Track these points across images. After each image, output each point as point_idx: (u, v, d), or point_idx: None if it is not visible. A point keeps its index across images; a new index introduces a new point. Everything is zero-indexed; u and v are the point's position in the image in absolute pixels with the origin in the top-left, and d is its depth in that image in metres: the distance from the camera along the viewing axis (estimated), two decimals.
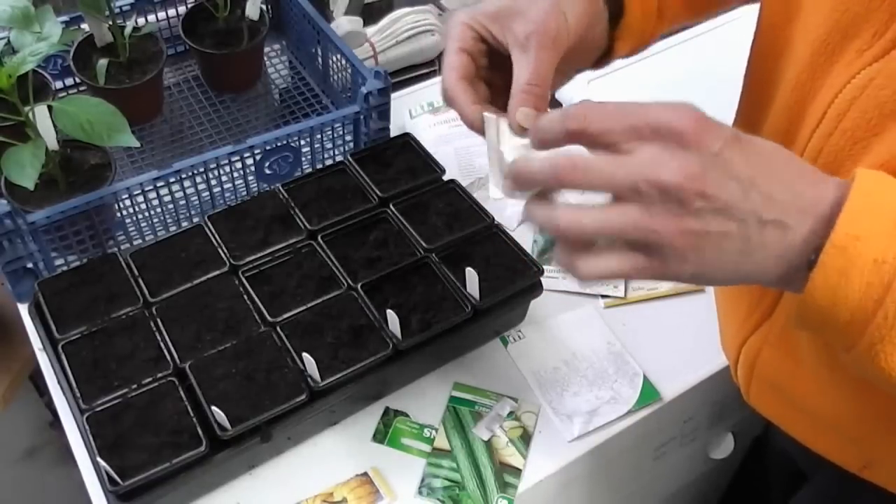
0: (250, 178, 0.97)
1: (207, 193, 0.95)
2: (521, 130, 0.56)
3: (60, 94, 1.05)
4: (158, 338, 0.79)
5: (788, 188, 0.47)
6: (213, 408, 0.72)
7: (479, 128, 0.59)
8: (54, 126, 0.85)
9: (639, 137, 0.46)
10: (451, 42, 0.61)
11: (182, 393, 0.75)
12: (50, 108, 0.82)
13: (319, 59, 1.12)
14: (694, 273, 0.48)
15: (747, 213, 0.46)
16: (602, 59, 0.66)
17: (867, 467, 0.63)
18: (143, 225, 0.95)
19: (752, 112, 0.66)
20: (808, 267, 0.45)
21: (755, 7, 0.65)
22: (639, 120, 0.46)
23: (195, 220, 0.96)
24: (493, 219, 0.89)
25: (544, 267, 0.86)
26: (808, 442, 0.67)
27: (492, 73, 0.63)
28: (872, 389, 0.57)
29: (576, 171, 0.47)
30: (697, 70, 1.19)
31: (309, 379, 0.76)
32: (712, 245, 0.46)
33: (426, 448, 0.81)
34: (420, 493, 0.77)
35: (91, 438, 0.71)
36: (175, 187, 0.92)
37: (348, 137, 1.01)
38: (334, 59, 1.08)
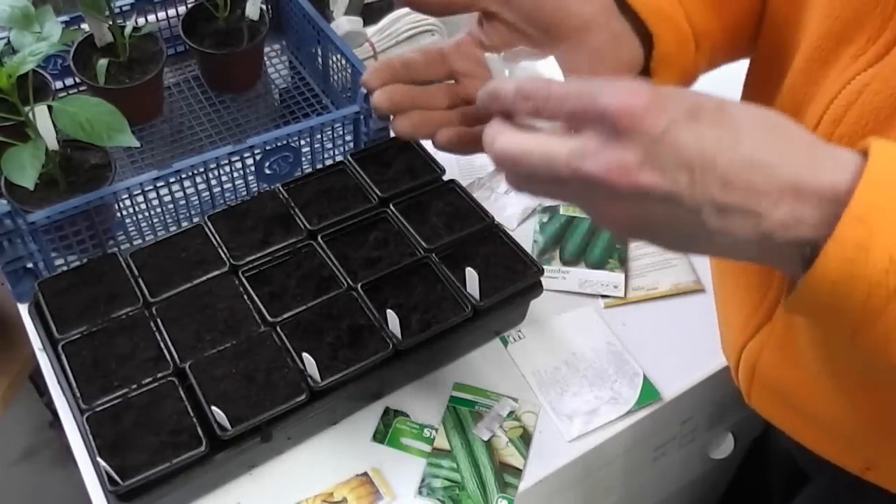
0: (250, 178, 0.97)
1: (207, 193, 0.95)
2: None
3: (60, 94, 1.05)
4: (158, 338, 0.79)
5: (759, 163, 0.42)
6: (213, 408, 0.72)
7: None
8: (54, 126, 0.85)
9: (580, 122, 0.43)
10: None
11: (182, 393, 0.75)
12: (50, 108, 0.82)
13: (319, 59, 1.12)
14: (652, 242, 0.46)
15: (699, 202, 0.42)
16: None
17: (869, 469, 0.63)
18: (143, 225, 0.95)
19: None
20: (804, 250, 0.42)
21: None
22: (579, 105, 0.43)
23: (195, 220, 0.96)
24: (493, 219, 0.89)
25: (544, 267, 0.86)
26: (809, 444, 0.67)
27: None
28: (873, 392, 0.57)
29: (509, 163, 0.46)
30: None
31: (309, 379, 0.76)
32: (660, 227, 0.44)
33: (426, 448, 0.81)
34: (420, 493, 0.77)
35: (91, 438, 0.71)
36: (175, 187, 0.92)
37: (348, 137, 1.01)
38: (334, 59, 1.08)
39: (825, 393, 0.61)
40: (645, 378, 0.86)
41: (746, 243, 0.43)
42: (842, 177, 0.41)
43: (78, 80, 1.03)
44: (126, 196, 0.89)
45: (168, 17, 1.12)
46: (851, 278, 0.40)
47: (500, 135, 0.46)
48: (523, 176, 0.46)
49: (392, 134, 1.01)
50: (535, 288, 0.86)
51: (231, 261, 0.85)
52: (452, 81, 0.60)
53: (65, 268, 0.89)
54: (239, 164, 0.95)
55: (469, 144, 0.55)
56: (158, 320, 0.80)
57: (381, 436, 0.82)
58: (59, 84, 1.05)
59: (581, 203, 0.46)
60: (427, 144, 0.97)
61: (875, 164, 0.41)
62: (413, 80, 0.58)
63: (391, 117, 0.57)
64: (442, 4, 0.58)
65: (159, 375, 0.76)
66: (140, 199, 0.91)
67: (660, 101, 0.42)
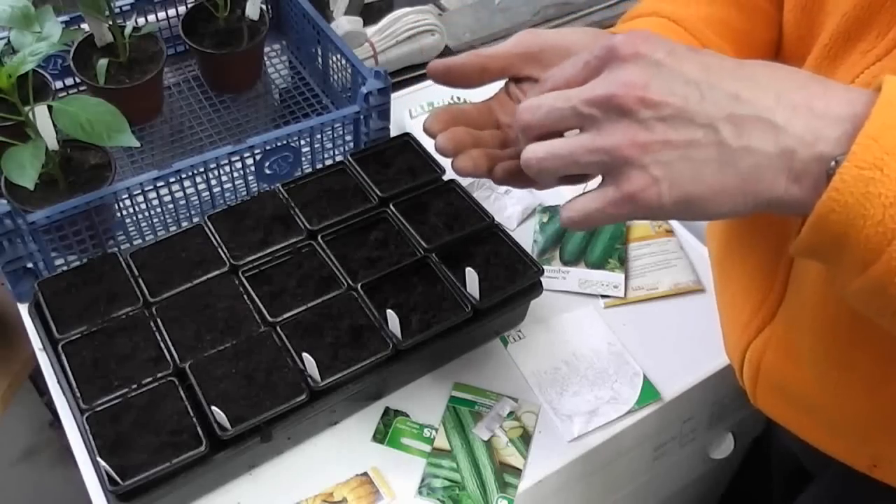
0: (250, 178, 0.97)
1: (207, 193, 0.95)
2: None
3: (60, 94, 1.05)
4: (158, 338, 0.79)
5: (765, 86, 0.43)
6: (213, 408, 0.72)
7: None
8: (54, 126, 0.85)
9: (591, 72, 0.47)
10: None
11: (182, 393, 0.75)
12: (50, 108, 0.82)
13: (319, 59, 1.12)
14: (674, 195, 0.44)
15: (712, 117, 0.43)
16: None
17: (876, 466, 0.63)
18: (143, 225, 0.95)
19: None
20: (830, 171, 0.41)
21: None
22: (588, 56, 0.48)
23: (195, 220, 0.96)
24: (493, 219, 0.89)
25: (544, 267, 0.86)
26: (815, 443, 0.67)
27: None
28: (880, 387, 0.58)
29: (527, 113, 0.49)
30: None
31: (309, 379, 0.76)
32: (680, 156, 0.43)
33: (426, 448, 0.81)
34: (420, 493, 0.77)
35: (91, 438, 0.71)
36: (175, 187, 0.92)
37: (348, 137, 1.01)
38: (334, 59, 1.08)
39: (830, 390, 0.61)
40: (645, 378, 0.86)
41: (773, 168, 0.42)
42: (858, 99, 0.41)
43: (78, 80, 1.03)
44: (126, 196, 0.89)
45: (168, 17, 1.12)
46: (866, 198, 0.40)
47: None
48: (543, 123, 0.49)
49: (392, 134, 1.01)
50: (535, 288, 0.86)
51: (231, 261, 0.85)
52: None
53: (65, 268, 0.89)
54: (239, 164, 0.95)
55: (524, 177, 0.57)
56: (158, 320, 0.80)
57: (381, 436, 0.82)
58: (59, 84, 1.05)
59: (602, 151, 0.46)
60: (427, 145, 0.97)
61: (890, 89, 0.41)
62: (468, 125, 0.60)
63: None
64: (476, 77, 0.61)
65: (159, 375, 0.76)
66: (140, 199, 0.91)
67: (659, 36, 0.45)
